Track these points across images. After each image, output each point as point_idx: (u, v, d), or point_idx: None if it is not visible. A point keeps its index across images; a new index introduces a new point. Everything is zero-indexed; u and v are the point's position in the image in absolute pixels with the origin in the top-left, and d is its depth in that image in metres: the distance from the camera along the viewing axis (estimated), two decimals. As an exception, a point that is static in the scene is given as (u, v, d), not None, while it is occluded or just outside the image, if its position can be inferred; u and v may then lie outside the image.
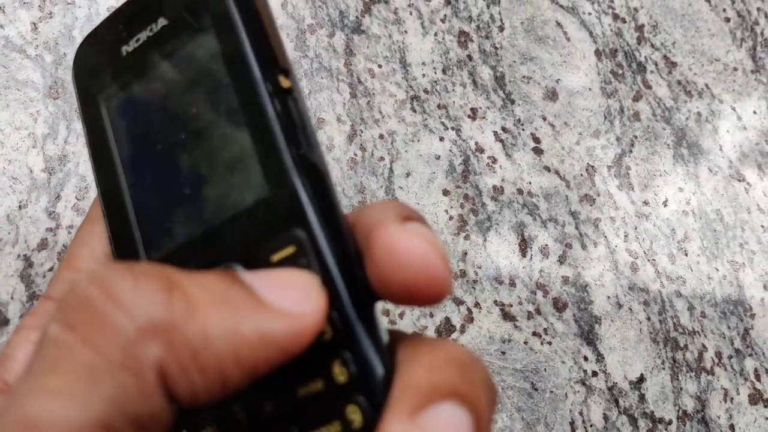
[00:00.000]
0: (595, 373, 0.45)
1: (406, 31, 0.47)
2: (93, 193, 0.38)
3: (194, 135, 0.20)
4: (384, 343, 0.18)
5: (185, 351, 0.15)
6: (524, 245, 0.46)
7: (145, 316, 0.15)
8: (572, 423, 0.44)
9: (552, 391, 0.44)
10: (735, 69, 0.57)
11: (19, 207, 0.37)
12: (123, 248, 0.21)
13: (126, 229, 0.21)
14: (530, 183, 0.47)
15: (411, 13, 0.48)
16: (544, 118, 0.49)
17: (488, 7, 0.50)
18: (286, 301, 0.17)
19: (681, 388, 0.48)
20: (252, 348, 0.16)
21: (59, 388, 0.15)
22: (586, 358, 0.45)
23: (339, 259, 0.19)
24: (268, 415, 0.18)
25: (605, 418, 0.45)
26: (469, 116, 0.47)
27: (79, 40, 0.40)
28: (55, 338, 0.15)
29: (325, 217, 0.19)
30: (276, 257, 0.18)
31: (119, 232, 0.21)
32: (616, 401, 0.46)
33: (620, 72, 0.53)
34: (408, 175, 0.44)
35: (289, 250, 0.18)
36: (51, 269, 0.36)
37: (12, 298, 0.35)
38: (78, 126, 0.39)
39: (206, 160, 0.20)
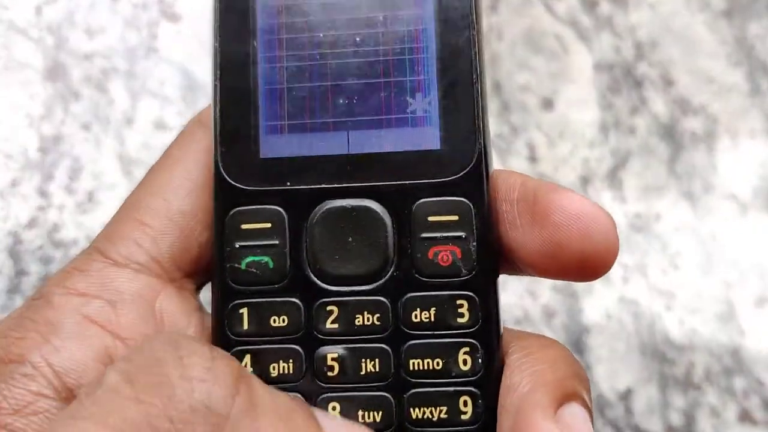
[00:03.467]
0: (581, 383, 0.45)
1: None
2: (86, 174, 0.38)
3: (370, 41, 0.19)
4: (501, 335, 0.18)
5: None
6: (515, 251, 0.46)
7: (205, 397, 0.15)
8: (557, 430, 0.44)
9: (538, 399, 0.44)
10: (731, 90, 0.57)
11: (12, 184, 0.37)
12: (234, 138, 0.18)
13: (247, 117, 0.18)
14: (523, 190, 0.47)
15: (411, 18, 0.49)
16: (540, 128, 0.50)
17: (488, 16, 0.51)
18: None
19: (668, 403, 0.47)
20: None
21: None
22: (573, 367, 0.45)
23: (491, 241, 0.18)
24: (371, 375, 0.17)
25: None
26: (464, 121, 0.47)
27: (81, 25, 0.41)
28: (112, 387, 0.15)
29: (488, 193, 0.18)
30: (433, 219, 0.17)
31: (237, 118, 0.18)
32: (602, 412, 0.45)
33: (617, 86, 0.53)
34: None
35: (451, 218, 0.17)
36: (40, 247, 0.36)
37: (0, 272, 0.36)
38: (75, 108, 0.39)
39: (373, 74, 0.19)
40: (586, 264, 0.18)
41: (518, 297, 0.45)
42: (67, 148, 0.38)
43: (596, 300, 0.47)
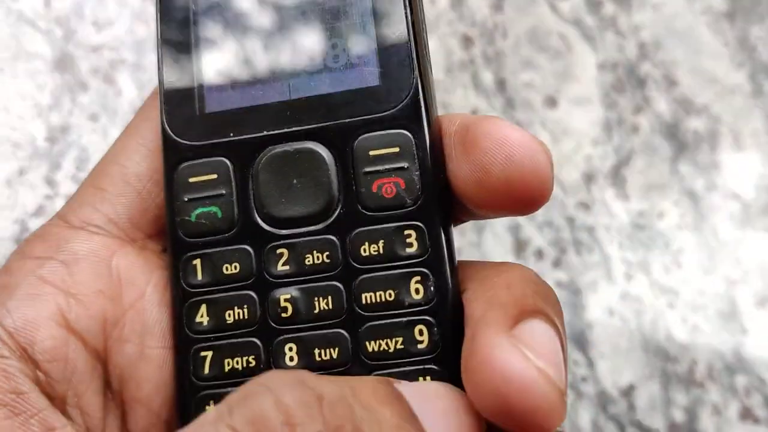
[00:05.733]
0: (584, 378, 0.45)
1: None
2: (93, 163, 0.38)
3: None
4: (456, 266, 0.18)
5: None
6: (519, 247, 0.47)
7: None
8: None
9: (541, 395, 0.44)
10: (733, 91, 0.57)
11: (20, 173, 0.37)
12: (177, 95, 0.18)
13: (189, 74, 0.19)
14: (527, 186, 0.48)
15: (416, 15, 0.49)
16: (544, 125, 0.50)
17: (492, 14, 0.52)
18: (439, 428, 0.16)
19: (670, 399, 0.47)
20: None
21: None
22: (576, 362, 0.45)
23: (435, 171, 0.18)
24: (325, 313, 0.17)
25: (593, 423, 0.44)
26: (469, 117, 0.48)
27: (89, 18, 0.41)
28: None
29: (429, 124, 0.18)
30: (374, 153, 0.18)
31: (179, 75, 0.19)
32: (605, 407, 0.45)
33: (620, 86, 0.53)
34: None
35: (392, 150, 0.17)
36: (47, 235, 0.37)
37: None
38: (83, 99, 0.39)
39: (310, 20, 0.19)
40: (513, 191, 0.17)
41: (522, 292, 0.45)
42: (74, 138, 0.38)
43: (599, 296, 0.47)
